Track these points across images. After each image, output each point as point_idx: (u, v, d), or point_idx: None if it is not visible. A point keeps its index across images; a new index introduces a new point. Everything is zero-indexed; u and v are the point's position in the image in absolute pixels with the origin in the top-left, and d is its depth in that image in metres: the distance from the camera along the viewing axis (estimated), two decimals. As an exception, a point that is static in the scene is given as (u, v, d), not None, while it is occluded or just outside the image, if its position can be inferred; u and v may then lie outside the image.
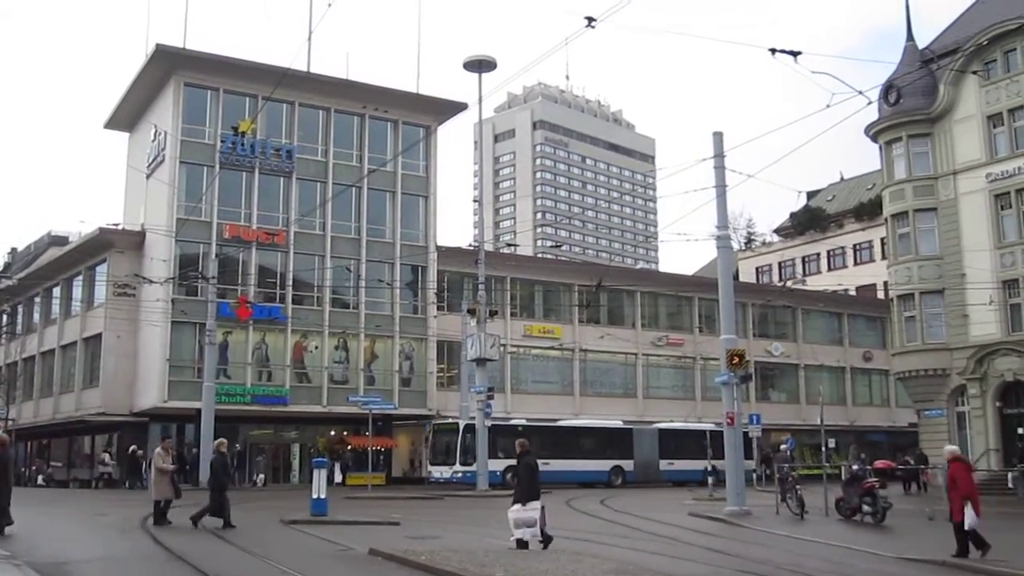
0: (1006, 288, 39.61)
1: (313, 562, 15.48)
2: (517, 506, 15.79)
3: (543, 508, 15.92)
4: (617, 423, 50.00)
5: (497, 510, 29.05)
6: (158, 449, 21.88)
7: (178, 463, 26.47)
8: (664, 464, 48.69)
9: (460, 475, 41.67)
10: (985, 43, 39.92)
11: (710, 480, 41.52)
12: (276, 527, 20.71)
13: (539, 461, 17.39)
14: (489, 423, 40.74)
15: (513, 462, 25.60)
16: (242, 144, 46.26)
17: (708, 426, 50.73)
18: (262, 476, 45.37)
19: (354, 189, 48.60)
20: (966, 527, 14.85)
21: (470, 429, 41.95)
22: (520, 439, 17.17)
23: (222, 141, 46.42)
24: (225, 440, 23.08)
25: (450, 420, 44.54)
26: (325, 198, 48.24)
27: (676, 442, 49.58)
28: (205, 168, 46.67)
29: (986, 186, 40.35)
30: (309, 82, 47.84)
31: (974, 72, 39.92)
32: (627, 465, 47.48)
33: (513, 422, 45.77)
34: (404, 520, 22.76)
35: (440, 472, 42.89)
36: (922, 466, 36.74)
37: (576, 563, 14.21)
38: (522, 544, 15.67)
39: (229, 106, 47.28)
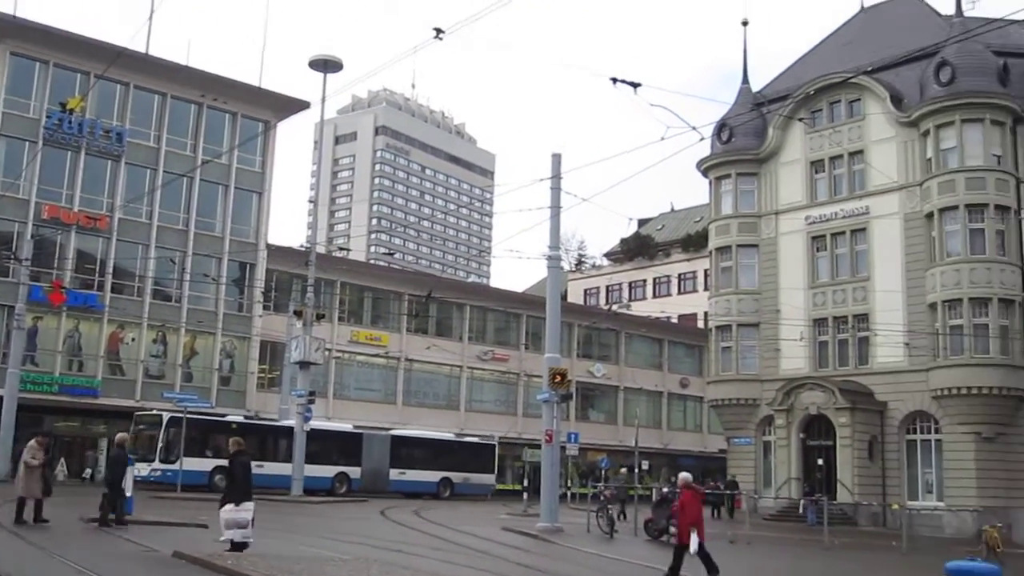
0: (816, 326, 41.74)
1: (114, 564, 14.88)
2: (230, 506, 15.61)
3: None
4: (346, 427, 46.68)
5: (314, 517, 28.74)
6: (31, 443, 20.67)
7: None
8: (395, 473, 46.19)
9: (159, 474, 37.23)
10: (812, 93, 42.04)
11: (442, 492, 41.53)
12: (77, 525, 19.85)
13: (253, 463, 17.23)
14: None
15: (223, 462, 24.73)
16: (69, 122, 44.41)
17: (446, 435, 50.46)
18: (90, 470, 43.61)
19: (185, 179, 47.29)
20: (691, 552, 15.48)
21: (175, 423, 38.36)
22: (235, 437, 16.90)
23: (48, 117, 44.41)
24: (126, 435, 22.36)
25: (153, 412, 39.57)
26: (154, 185, 46.70)
27: (409, 451, 47.47)
28: (27, 143, 44.51)
29: (804, 228, 42.45)
30: (146, 64, 46.34)
31: (800, 119, 42.00)
32: (353, 472, 44.48)
33: (228, 418, 41.86)
34: (213, 522, 22.12)
35: (137, 470, 36.40)
36: (732, 491, 38.06)
37: (385, 574, 14.18)
38: (236, 546, 15.48)
39: (58, 81, 45.25)
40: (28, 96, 45.03)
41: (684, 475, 17.03)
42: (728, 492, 39.76)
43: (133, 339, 46.45)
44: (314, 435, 42.57)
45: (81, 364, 45.28)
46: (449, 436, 50.59)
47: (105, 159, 46.43)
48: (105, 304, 45.27)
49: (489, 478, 49.51)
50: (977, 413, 36.14)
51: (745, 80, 46.49)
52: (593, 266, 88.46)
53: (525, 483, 44.61)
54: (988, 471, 35.69)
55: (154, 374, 46.81)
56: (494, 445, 50.79)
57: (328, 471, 43.39)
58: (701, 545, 15.70)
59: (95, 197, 46.09)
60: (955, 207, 37.29)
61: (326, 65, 40.66)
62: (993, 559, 22.41)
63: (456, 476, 47.58)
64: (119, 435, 22.24)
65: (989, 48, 38.53)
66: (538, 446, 30.94)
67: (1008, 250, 36.56)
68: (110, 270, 45.77)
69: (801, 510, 36.37)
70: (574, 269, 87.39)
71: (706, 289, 56.66)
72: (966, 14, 39.96)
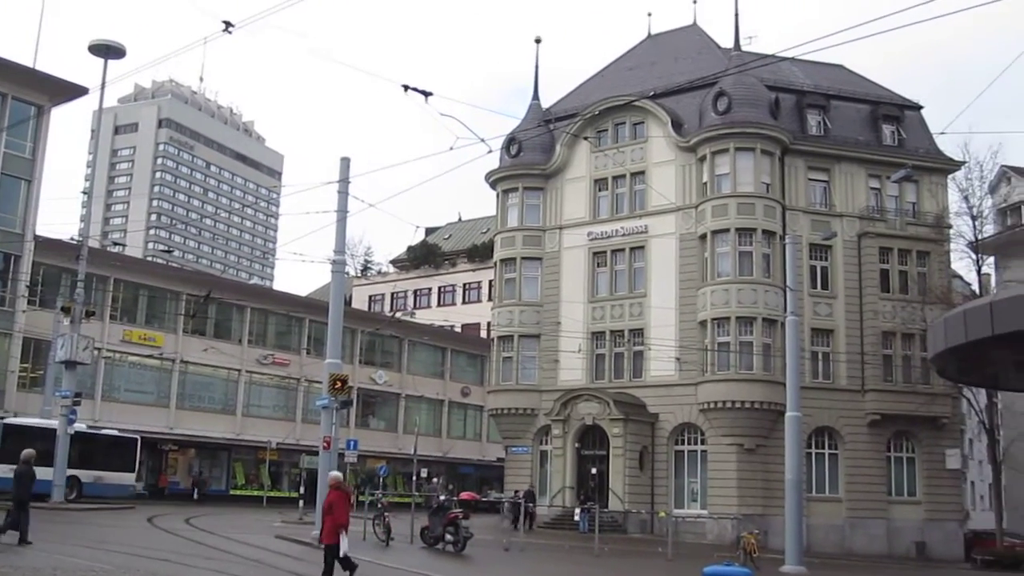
0: (594, 339, 42.99)
1: None
2: None
3: None
4: None
5: (76, 524, 27.32)
6: None
7: None
8: (4, 470, 33.03)
9: None
10: (598, 113, 43.41)
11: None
12: None
13: None
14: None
15: None
16: None
17: (78, 426, 40.89)
18: None
19: (-55, 162, 44.09)
20: (341, 554, 15.67)
21: None
22: None
23: None
24: (33, 451, 20.85)
25: None
26: (-92, 167, 43.31)
27: (25, 443, 32.97)
28: None
29: (586, 243, 43.70)
30: (-96, 37, 42.95)
31: (586, 138, 43.24)
32: None
33: None
34: None
35: None
36: (528, 503, 38.28)
37: (151, 583, 13.65)
38: None
39: None
40: None
41: (333, 474, 16.84)
42: (524, 503, 40.05)
43: None
44: None
45: None
46: (80, 427, 41.58)
47: None
48: None
49: (128, 478, 43.59)
50: (740, 425, 38.12)
51: (536, 96, 47.49)
52: (379, 272, 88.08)
53: (302, 490, 43.77)
54: (748, 480, 37.70)
55: (-101, 370, 43.30)
56: (135, 440, 44.81)
57: None
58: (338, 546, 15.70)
59: None
60: (727, 230, 39.29)
61: (107, 51, 38.67)
62: (749, 564, 23.73)
63: (85, 475, 40.71)
64: (27, 451, 20.76)
65: (763, 82, 40.91)
66: (316, 453, 30.40)
67: (773, 273, 38.76)
68: None
69: (576, 517, 37.29)
70: (359, 275, 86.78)
71: (490, 299, 57.47)
72: (744, 48, 42.23)
